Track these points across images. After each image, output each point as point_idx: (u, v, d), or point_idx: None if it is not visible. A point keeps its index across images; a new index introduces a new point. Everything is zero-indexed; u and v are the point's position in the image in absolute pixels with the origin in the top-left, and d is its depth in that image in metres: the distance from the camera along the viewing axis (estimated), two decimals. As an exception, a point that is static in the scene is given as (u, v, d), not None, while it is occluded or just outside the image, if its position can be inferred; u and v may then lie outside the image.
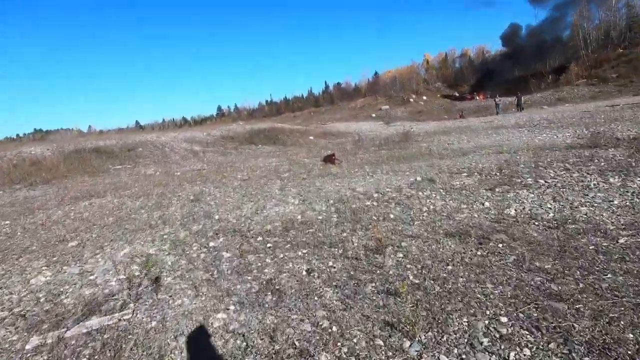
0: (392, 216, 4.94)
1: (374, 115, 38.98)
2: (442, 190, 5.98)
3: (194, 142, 20.01)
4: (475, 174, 6.93)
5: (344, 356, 2.22)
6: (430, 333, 2.33)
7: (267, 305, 2.93)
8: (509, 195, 5.23)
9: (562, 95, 29.52)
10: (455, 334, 2.30)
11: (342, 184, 7.59)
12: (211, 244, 4.60)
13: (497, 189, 5.62)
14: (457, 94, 47.22)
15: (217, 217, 5.86)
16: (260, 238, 4.63)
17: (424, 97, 45.87)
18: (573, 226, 3.83)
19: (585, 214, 4.13)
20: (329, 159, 10.78)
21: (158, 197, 7.90)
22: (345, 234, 4.43)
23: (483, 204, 4.99)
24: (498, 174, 6.66)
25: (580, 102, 25.73)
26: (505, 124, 17.39)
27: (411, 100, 43.91)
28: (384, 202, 5.67)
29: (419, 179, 7.06)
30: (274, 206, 6.25)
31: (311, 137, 22.52)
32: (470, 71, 57.28)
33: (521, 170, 6.68)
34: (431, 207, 5.16)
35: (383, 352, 2.22)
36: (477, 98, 40.76)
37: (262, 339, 2.46)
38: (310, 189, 7.42)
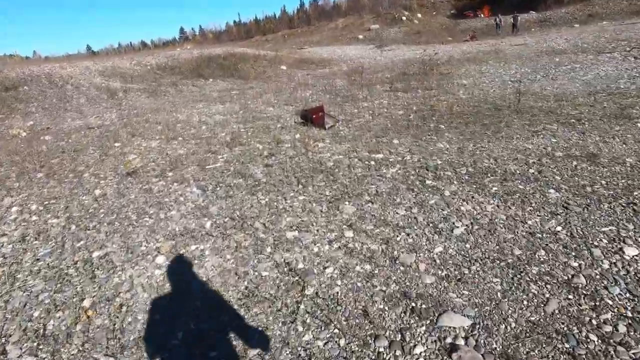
0: None
1: (360, 37, 32.35)
2: None
3: (114, 75, 13.96)
4: None
5: None
6: None
7: None
8: None
9: (594, 10, 24.07)
10: None
11: (352, 210, 2.83)
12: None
13: None
14: (455, 11, 40.21)
15: None
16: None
17: (419, 15, 38.86)
18: None
19: None
20: (314, 117, 5.69)
21: None
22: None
23: None
24: None
25: (620, 19, 20.48)
26: (557, 47, 12.28)
27: (403, 18, 36.88)
28: None
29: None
30: None
31: (283, 67, 16.70)
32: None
33: None
34: None
35: None
36: (481, 15, 34.29)
37: None
38: (266, 237, 2.61)
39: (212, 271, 2.46)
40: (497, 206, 2.88)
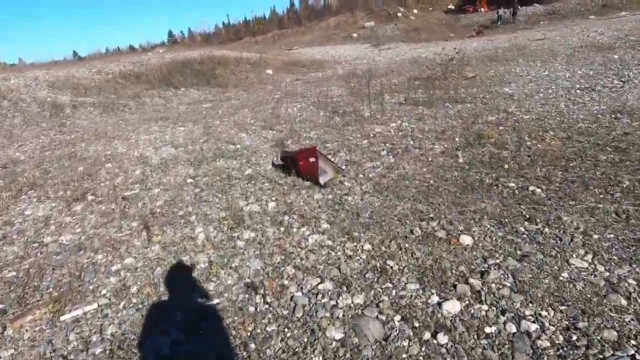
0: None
1: (355, 35, 30.16)
2: None
3: (66, 87, 11.64)
4: None
5: None
6: None
7: None
8: None
9: (608, 1, 22.16)
10: None
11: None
12: None
13: None
14: (453, 6, 38.22)
15: None
16: None
17: (415, 11, 36.79)
18: None
19: None
20: (301, 165, 3.42)
21: None
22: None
23: None
24: None
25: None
26: (596, 41, 10.16)
27: (399, 15, 34.75)
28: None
29: None
30: None
31: (269, 72, 14.45)
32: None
33: None
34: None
35: None
36: (481, 9, 32.28)
37: None
38: None
39: None
40: None
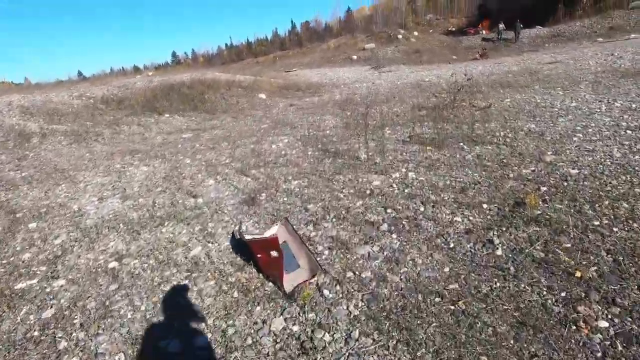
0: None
1: (355, 57, 29.62)
2: None
3: (40, 113, 10.72)
4: None
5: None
6: None
7: None
8: None
9: (616, 23, 21.49)
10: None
11: None
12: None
13: None
14: (454, 28, 37.95)
15: None
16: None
17: (415, 33, 36.47)
18: None
19: None
20: (259, 258, 2.30)
21: None
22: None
23: None
24: None
25: (651, 31, 17.75)
26: (618, 66, 9.21)
27: (399, 37, 34.37)
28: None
29: None
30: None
31: (262, 96, 13.54)
32: (467, 0, 47.34)
33: None
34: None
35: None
36: (483, 32, 31.82)
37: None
38: None
39: None
40: None
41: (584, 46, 17.65)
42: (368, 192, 3.54)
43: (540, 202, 2.78)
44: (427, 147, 4.75)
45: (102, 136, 9.27)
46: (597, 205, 2.63)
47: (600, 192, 2.81)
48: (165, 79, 14.60)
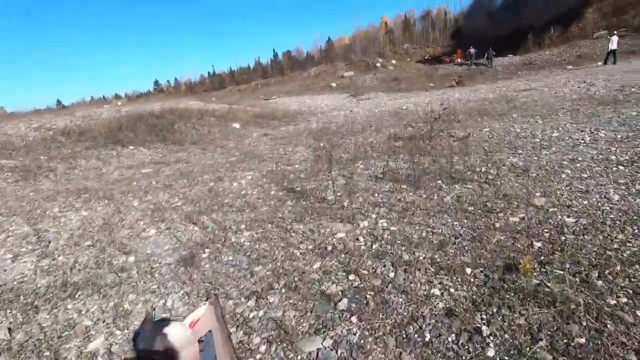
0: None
1: (334, 84, 29.80)
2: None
3: (-13, 146, 9.85)
4: None
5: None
6: None
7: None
8: None
9: (582, 51, 22.30)
10: None
11: None
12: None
13: None
14: (429, 57, 39.07)
15: None
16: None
17: (393, 62, 37.30)
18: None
19: None
20: None
21: None
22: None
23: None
24: None
25: (619, 60, 18.31)
26: (593, 94, 9.13)
27: (378, 65, 35.01)
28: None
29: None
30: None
31: (236, 125, 13.00)
32: (441, 31, 49.35)
33: None
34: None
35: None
36: (457, 60, 32.77)
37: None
38: None
39: None
40: None
41: (556, 74, 18.06)
42: (330, 247, 2.93)
43: (536, 266, 2.23)
44: (402, 186, 4.22)
45: (54, 172, 8.45)
46: (607, 271, 2.09)
47: (607, 251, 2.29)
48: (133, 109, 13.95)
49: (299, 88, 33.31)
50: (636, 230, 2.49)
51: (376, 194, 4.09)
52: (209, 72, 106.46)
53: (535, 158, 4.58)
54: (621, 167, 3.76)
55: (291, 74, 56.19)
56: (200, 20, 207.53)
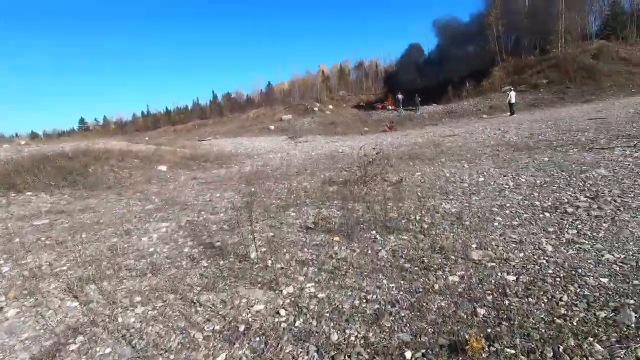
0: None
1: (272, 127, 29.83)
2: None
3: None
4: None
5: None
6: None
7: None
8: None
9: (494, 103, 25.19)
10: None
11: None
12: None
13: None
14: (363, 103, 41.55)
15: None
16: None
17: (330, 106, 38.87)
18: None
19: None
20: None
21: None
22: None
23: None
24: None
25: (524, 112, 20.90)
26: (509, 140, 9.96)
27: (315, 109, 36.16)
28: None
29: None
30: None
31: (162, 168, 11.94)
32: (373, 80, 53.30)
33: None
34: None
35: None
36: (389, 107, 35.20)
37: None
38: None
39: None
40: None
41: (474, 121, 19.97)
42: (242, 327, 2.33)
43: (484, 343, 1.88)
44: (334, 238, 3.81)
45: None
46: (561, 348, 1.80)
47: (556, 318, 2.03)
48: (39, 149, 12.24)
49: (237, 129, 32.82)
50: (578, 289, 2.31)
51: (305, 249, 3.62)
52: (142, 112, 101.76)
53: (467, 204, 4.52)
54: (547, 214, 3.78)
55: (230, 116, 55.78)
56: (133, 58, 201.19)
